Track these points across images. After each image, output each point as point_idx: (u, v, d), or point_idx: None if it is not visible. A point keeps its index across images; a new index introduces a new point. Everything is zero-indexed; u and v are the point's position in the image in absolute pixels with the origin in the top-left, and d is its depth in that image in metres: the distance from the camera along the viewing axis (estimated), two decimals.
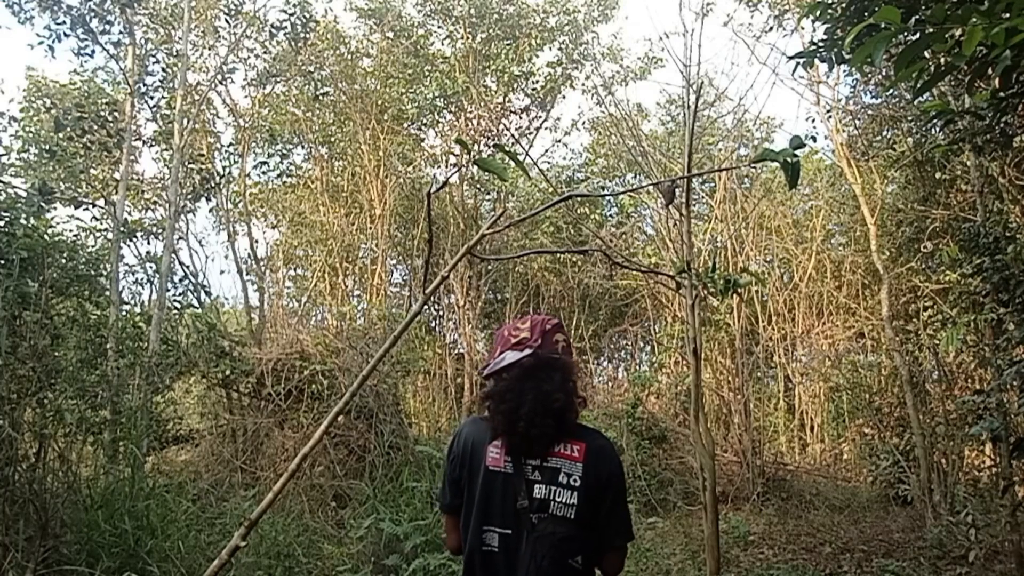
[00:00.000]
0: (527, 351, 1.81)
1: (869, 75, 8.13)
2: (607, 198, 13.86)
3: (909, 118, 8.00)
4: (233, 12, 10.11)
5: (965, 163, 6.85)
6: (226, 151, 11.96)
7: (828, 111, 9.38)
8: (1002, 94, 3.34)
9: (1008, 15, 1.96)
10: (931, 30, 2.01)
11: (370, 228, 12.90)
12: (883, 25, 1.99)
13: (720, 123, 11.73)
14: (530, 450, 1.74)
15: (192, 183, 10.16)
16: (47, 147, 8.77)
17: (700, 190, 11.76)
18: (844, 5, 4.05)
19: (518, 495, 1.72)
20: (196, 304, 10.16)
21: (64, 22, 8.29)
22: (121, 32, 8.70)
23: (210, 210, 12.48)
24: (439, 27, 13.28)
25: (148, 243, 10.24)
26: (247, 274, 11.92)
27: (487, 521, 1.75)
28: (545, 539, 1.67)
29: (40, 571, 3.94)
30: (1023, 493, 5.75)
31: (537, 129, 14.08)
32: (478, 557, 1.76)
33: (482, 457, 1.79)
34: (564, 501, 1.71)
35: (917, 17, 2.33)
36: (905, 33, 2.28)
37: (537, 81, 13.18)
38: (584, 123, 14.42)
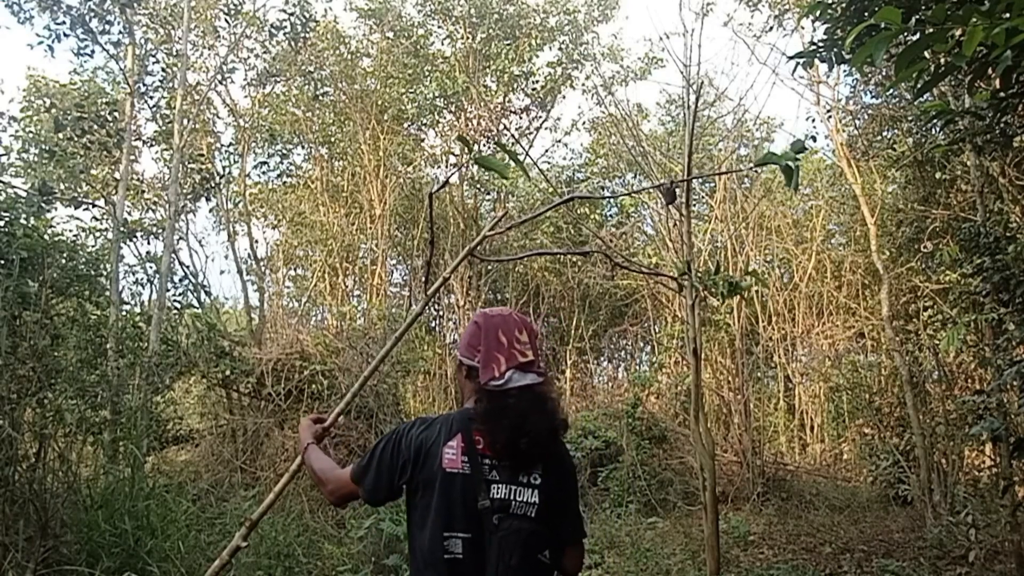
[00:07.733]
0: (537, 377, 1.76)
1: (869, 75, 8.13)
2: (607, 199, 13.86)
3: (909, 118, 8.00)
4: (233, 12, 10.12)
5: (965, 163, 6.85)
6: (226, 151, 11.98)
7: (828, 111, 9.38)
8: (1002, 94, 3.34)
9: (1008, 15, 1.96)
10: (931, 30, 2.01)
11: (370, 228, 12.89)
12: (883, 25, 1.99)
13: (720, 123, 11.71)
14: (519, 466, 1.72)
15: (192, 183, 10.18)
16: (47, 147, 8.78)
17: (700, 190, 11.76)
18: (844, 5, 4.05)
19: (478, 495, 1.68)
20: (196, 304, 10.17)
21: (64, 22, 8.30)
22: (121, 32, 8.71)
23: (210, 210, 12.51)
24: (439, 27, 13.28)
25: (148, 243, 10.28)
26: (247, 274, 11.93)
27: (448, 527, 1.68)
28: (511, 537, 1.64)
29: (40, 571, 3.94)
30: (1023, 493, 5.76)
31: (537, 129, 14.10)
32: (443, 567, 1.67)
33: (436, 459, 1.72)
34: (525, 500, 1.69)
35: (917, 17, 2.33)
36: (905, 33, 2.28)
37: (537, 81, 13.18)
38: (584, 123, 14.43)
